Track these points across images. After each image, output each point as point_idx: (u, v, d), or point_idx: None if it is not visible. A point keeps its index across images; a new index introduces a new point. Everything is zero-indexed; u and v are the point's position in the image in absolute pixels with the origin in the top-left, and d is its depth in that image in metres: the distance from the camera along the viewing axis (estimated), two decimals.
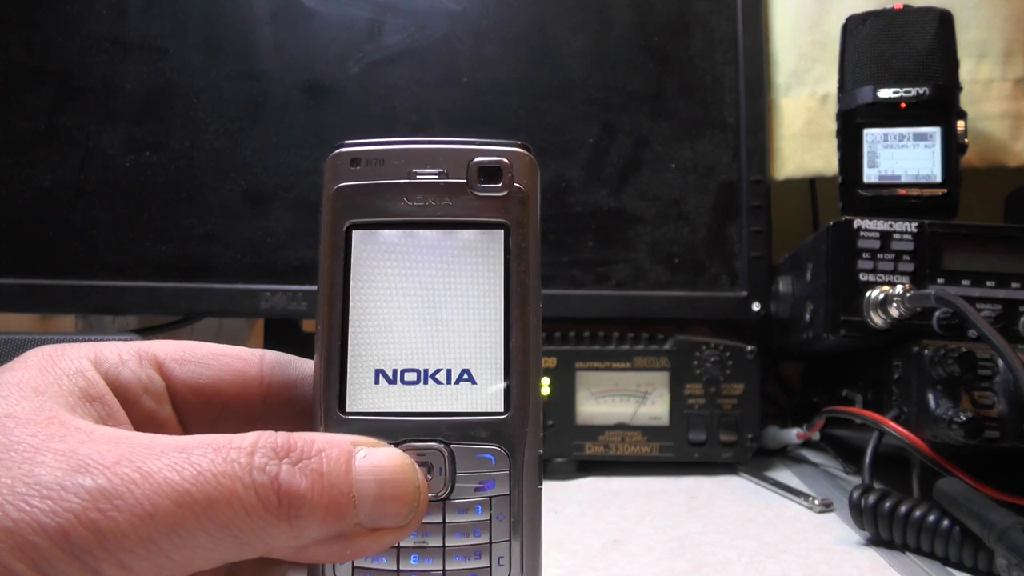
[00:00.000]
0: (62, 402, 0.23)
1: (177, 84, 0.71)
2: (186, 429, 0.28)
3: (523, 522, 0.26)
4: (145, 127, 0.71)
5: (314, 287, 0.60)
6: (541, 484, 0.27)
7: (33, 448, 0.21)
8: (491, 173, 0.27)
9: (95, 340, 0.43)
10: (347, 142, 0.28)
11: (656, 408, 0.68)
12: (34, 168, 0.69)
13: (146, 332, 0.75)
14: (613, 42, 0.75)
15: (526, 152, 0.28)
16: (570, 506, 0.58)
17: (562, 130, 0.73)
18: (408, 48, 0.73)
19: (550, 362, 0.68)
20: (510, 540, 0.26)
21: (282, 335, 0.78)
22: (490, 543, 0.26)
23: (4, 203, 0.69)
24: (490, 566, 0.26)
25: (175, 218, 0.70)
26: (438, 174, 0.27)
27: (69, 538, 0.19)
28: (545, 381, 0.68)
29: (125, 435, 0.22)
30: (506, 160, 0.27)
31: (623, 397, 0.68)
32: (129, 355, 0.27)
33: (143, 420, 0.26)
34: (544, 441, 0.65)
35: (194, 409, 0.28)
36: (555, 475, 0.67)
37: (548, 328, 0.69)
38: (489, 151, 0.27)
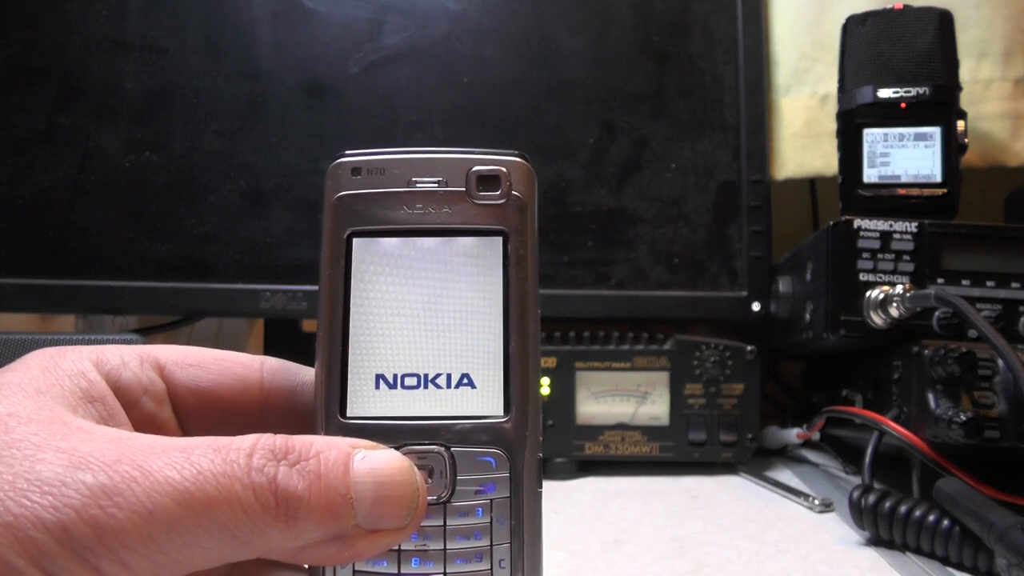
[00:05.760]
0: (64, 402, 0.23)
1: (177, 84, 0.71)
2: (186, 432, 0.28)
3: (523, 525, 0.26)
4: (145, 127, 0.71)
5: (314, 287, 0.60)
6: (541, 487, 0.27)
7: (34, 446, 0.21)
8: (489, 181, 0.27)
9: (95, 341, 0.43)
10: (348, 152, 0.28)
11: (656, 408, 0.68)
12: (34, 168, 0.69)
13: (146, 332, 0.75)
14: (613, 42, 0.75)
15: (524, 161, 0.28)
16: (570, 506, 0.58)
17: (562, 130, 0.73)
18: (408, 48, 0.73)
19: (550, 362, 0.68)
20: (511, 543, 0.26)
21: (282, 335, 0.78)
22: (491, 546, 0.26)
23: (4, 203, 0.69)
24: (491, 569, 0.26)
25: (175, 218, 0.70)
26: (437, 182, 0.27)
27: (69, 534, 0.19)
28: (545, 381, 0.68)
29: (126, 435, 0.23)
30: (504, 169, 0.28)
31: (623, 397, 0.68)
32: (130, 357, 0.27)
33: (143, 422, 0.26)
34: (544, 441, 0.66)
35: (194, 412, 0.28)
36: (555, 475, 0.67)
37: (548, 328, 0.69)
38: (487, 160, 0.28)
